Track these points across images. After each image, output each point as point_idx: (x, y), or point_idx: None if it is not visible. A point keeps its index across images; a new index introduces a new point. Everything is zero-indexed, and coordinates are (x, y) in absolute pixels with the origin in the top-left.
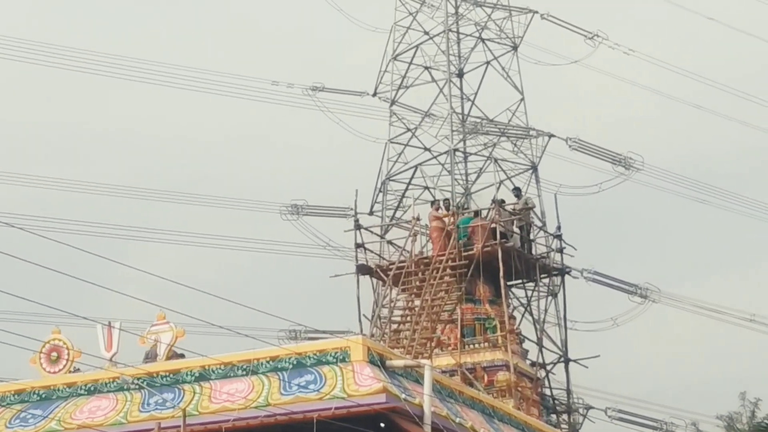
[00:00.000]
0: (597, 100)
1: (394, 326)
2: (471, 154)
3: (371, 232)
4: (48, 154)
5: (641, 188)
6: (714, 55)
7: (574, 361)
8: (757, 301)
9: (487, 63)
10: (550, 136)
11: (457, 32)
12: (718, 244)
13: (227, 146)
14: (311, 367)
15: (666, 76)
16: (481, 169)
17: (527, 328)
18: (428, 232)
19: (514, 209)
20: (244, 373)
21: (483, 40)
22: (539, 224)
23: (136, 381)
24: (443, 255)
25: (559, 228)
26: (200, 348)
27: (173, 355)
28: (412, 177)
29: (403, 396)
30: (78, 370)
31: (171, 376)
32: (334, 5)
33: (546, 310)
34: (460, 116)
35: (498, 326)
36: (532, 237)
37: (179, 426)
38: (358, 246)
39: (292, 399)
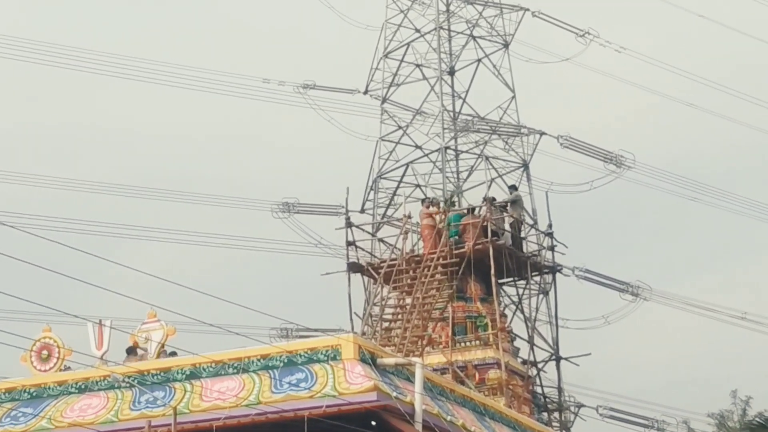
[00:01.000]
0: (588, 97)
1: (386, 324)
2: (462, 151)
3: (362, 230)
4: (40, 153)
5: (632, 186)
6: (705, 53)
7: (566, 359)
8: (748, 299)
9: (479, 61)
10: (542, 133)
11: (449, 30)
12: (709, 242)
13: (218, 144)
14: (302, 366)
15: (657, 74)
16: (472, 166)
17: (518, 326)
18: (419, 230)
19: (502, 203)
20: (235, 371)
21: (474, 38)
22: (530, 222)
23: (126, 379)
24: (434, 253)
25: (550, 226)
26: (191, 346)
27: (164, 354)
28: (403, 175)
29: (394, 394)
30: (69, 368)
31: (162, 374)
32: (326, 3)
33: (537, 308)
34: (452, 114)
35: (489, 324)
36: (523, 235)
37: (170, 424)
38: (349, 244)
39: (283, 397)
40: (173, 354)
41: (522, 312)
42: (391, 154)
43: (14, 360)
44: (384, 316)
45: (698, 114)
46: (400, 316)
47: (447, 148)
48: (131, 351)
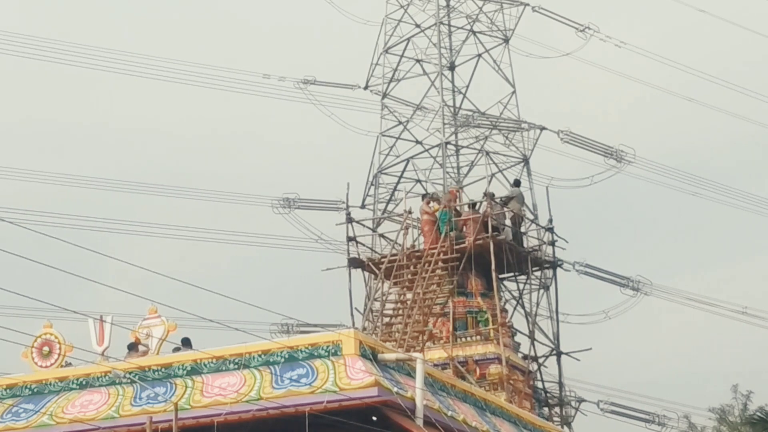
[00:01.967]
0: (588, 92)
1: (386, 319)
2: (463, 147)
3: (363, 225)
4: (40, 149)
5: (633, 181)
6: (705, 47)
7: (566, 353)
8: (749, 294)
9: (479, 56)
10: (542, 128)
11: (449, 25)
12: (710, 236)
13: (219, 140)
14: (303, 361)
15: (657, 69)
16: (472, 162)
17: (519, 321)
18: (420, 225)
19: (502, 198)
20: (236, 367)
21: (474, 33)
22: (531, 217)
23: (127, 375)
24: (435, 248)
25: (550, 221)
26: (192, 342)
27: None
28: (403, 170)
29: (395, 389)
30: (70, 364)
31: (163, 370)
32: None
33: (538, 303)
34: (452, 109)
35: (490, 319)
36: (523, 230)
37: (171, 420)
38: (349, 239)
39: (284, 393)
40: (187, 343)
41: (523, 307)
42: (392, 150)
43: (15, 356)
44: (385, 312)
45: (698, 108)
46: (400, 312)
47: (447, 143)
48: (132, 347)
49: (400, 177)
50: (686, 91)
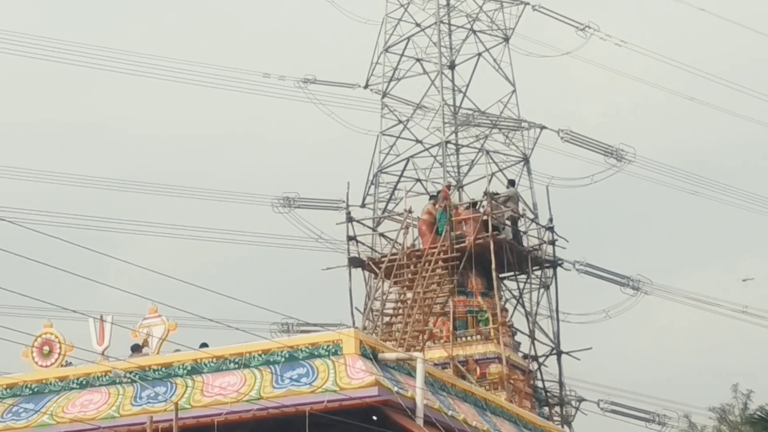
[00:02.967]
0: (589, 91)
1: (387, 319)
2: (463, 146)
3: (363, 224)
4: (40, 148)
5: (633, 180)
6: (706, 46)
7: (567, 353)
8: (749, 293)
9: (479, 55)
10: (542, 127)
11: (449, 24)
12: (710, 235)
13: (219, 139)
14: (303, 361)
15: (657, 68)
16: (472, 161)
17: (519, 321)
18: (418, 224)
19: (500, 196)
20: (236, 366)
21: (474, 32)
22: (531, 216)
23: (128, 375)
24: (435, 247)
25: (551, 220)
26: (192, 341)
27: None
28: (404, 169)
29: (396, 389)
30: (70, 363)
31: (163, 369)
32: None
33: (538, 303)
34: (452, 108)
35: (490, 318)
36: (524, 229)
37: (171, 420)
38: (350, 238)
39: (284, 392)
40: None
41: (523, 306)
42: (392, 149)
43: (15, 356)
44: (385, 311)
45: (699, 108)
46: (401, 311)
47: (447, 142)
48: (136, 349)
49: (401, 176)
50: (687, 90)
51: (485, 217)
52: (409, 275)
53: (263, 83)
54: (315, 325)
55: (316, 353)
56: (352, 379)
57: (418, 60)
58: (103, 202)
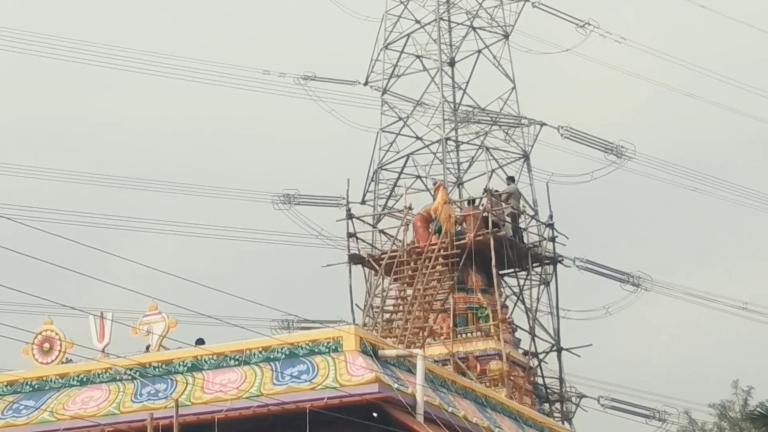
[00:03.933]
0: (589, 88)
1: (387, 316)
2: (463, 142)
3: (363, 221)
4: (39, 145)
5: (633, 177)
6: (706, 43)
7: (567, 349)
8: (749, 290)
9: (479, 51)
10: (542, 124)
11: (449, 21)
12: (710, 232)
13: (218, 136)
14: (303, 357)
15: (658, 65)
16: (472, 157)
17: (520, 317)
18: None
19: (500, 195)
20: (237, 363)
21: (474, 29)
22: (531, 213)
23: (128, 372)
24: (435, 244)
25: (551, 217)
26: (192, 338)
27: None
28: (404, 166)
29: (396, 386)
30: (70, 360)
31: (163, 366)
32: None
33: (538, 299)
34: (452, 105)
35: (490, 315)
36: (524, 226)
37: (172, 417)
38: (350, 235)
39: (284, 389)
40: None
41: (523, 303)
42: (392, 146)
43: (16, 353)
44: (385, 308)
45: (699, 104)
46: (401, 308)
47: (447, 139)
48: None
49: (401, 173)
50: (687, 87)
51: (485, 214)
52: (410, 272)
53: (263, 80)
54: (315, 322)
55: (316, 350)
56: (352, 376)
57: (418, 57)
58: (104, 200)
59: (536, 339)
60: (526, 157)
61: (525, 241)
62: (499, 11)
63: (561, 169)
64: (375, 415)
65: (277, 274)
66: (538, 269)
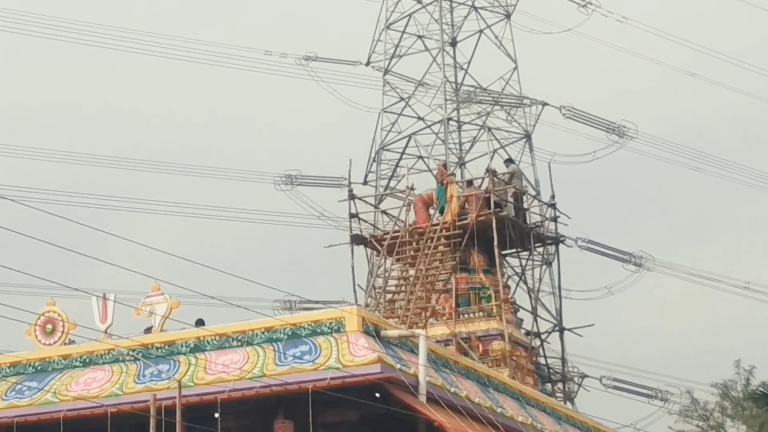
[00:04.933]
0: (590, 68)
1: (389, 296)
2: (464, 123)
3: (365, 201)
4: (44, 127)
5: (635, 156)
6: (708, 23)
7: (569, 329)
8: (751, 269)
9: (480, 31)
10: (544, 104)
11: (450, 0)
12: (712, 212)
13: (220, 117)
14: (306, 338)
15: (660, 44)
16: (474, 138)
17: (522, 298)
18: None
19: (502, 176)
20: (239, 344)
21: (476, 9)
22: (533, 193)
23: (131, 352)
24: (437, 225)
25: (553, 197)
26: (195, 319)
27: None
28: (405, 146)
29: (398, 366)
30: (73, 342)
31: (166, 347)
32: None
33: (540, 279)
34: (454, 85)
35: (492, 295)
36: (526, 206)
37: (175, 397)
38: (352, 216)
39: (287, 370)
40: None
41: (525, 283)
42: (394, 126)
43: (19, 334)
44: (387, 288)
45: (701, 84)
46: (403, 288)
47: (449, 119)
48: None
49: (402, 153)
50: (688, 67)
51: (487, 195)
52: (412, 252)
53: (265, 61)
54: (317, 302)
55: (318, 331)
56: (354, 356)
57: (419, 37)
58: (105, 181)
59: (538, 319)
60: (528, 137)
61: (527, 221)
62: None
63: (563, 149)
64: (377, 395)
65: (279, 255)
66: (541, 249)
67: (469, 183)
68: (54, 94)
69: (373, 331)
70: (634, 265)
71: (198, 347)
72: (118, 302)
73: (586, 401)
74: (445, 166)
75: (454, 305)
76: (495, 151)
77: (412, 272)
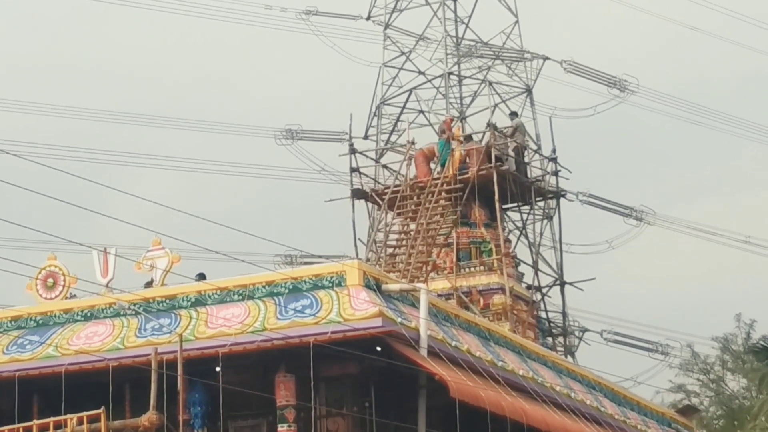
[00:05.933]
0: (591, 22)
1: (390, 250)
2: (465, 77)
3: (366, 156)
4: (43, 82)
5: (636, 111)
6: None
7: (570, 284)
8: (752, 223)
9: None
10: (545, 58)
11: None
12: (713, 165)
13: (220, 71)
14: (307, 292)
15: None
16: (475, 92)
17: (523, 252)
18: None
19: (504, 129)
20: (240, 298)
21: None
22: (534, 147)
23: (132, 307)
24: (438, 179)
25: (554, 151)
26: (195, 274)
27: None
28: (406, 101)
29: (399, 320)
30: (74, 296)
31: (167, 301)
32: None
33: (541, 234)
34: (455, 39)
35: (493, 250)
36: (527, 160)
37: (176, 351)
38: (353, 170)
39: (288, 323)
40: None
41: (526, 237)
42: (394, 80)
43: (20, 288)
44: (388, 243)
45: (702, 38)
46: (404, 242)
47: (450, 73)
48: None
49: (403, 108)
50: (690, 21)
51: (488, 149)
52: (413, 206)
53: (265, 15)
54: (318, 256)
55: (319, 284)
56: (355, 310)
57: None
58: (106, 135)
59: (539, 273)
60: (529, 91)
61: (528, 175)
62: None
63: (564, 104)
64: (378, 349)
65: (281, 210)
66: (541, 203)
67: (468, 138)
68: (57, 48)
69: (374, 285)
70: (635, 219)
71: (199, 301)
72: (119, 256)
73: (587, 355)
74: (452, 120)
75: (454, 259)
76: (496, 105)
77: (412, 226)
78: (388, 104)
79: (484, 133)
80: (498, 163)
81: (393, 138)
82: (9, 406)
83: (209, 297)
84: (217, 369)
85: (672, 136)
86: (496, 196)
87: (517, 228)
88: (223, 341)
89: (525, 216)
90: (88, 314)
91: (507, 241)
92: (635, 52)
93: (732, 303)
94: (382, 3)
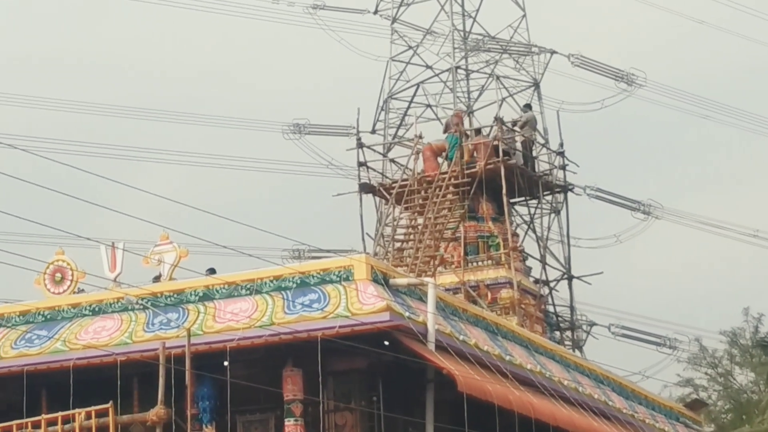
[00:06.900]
0: (599, 16)
1: (398, 245)
2: (473, 71)
3: (374, 150)
4: (52, 77)
5: (644, 104)
6: None
7: (578, 277)
8: (760, 217)
9: None
10: (552, 52)
11: None
12: (721, 159)
13: (229, 66)
14: (315, 286)
15: None
16: (483, 86)
17: (530, 246)
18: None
19: (514, 123)
20: (248, 292)
21: None
22: (542, 141)
23: (140, 301)
24: (446, 173)
25: (561, 145)
26: (204, 268)
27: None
28: (414, 95)
29: (407, 314)
30: (82, 290)
31: (175, 296)
32: None
33: (549, 228)
34: (462, 33)
35: (501, 244)
36: (534, 154)
37: (184, 346)
38: (360, 164)
39: (296, 318)
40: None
41: (534, 231)
42: (402, 75)
43: (28, 283)
44: (396, 237)
45: (709, 31)
46: (412, 237)
47: (458, 67)
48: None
49: (411, 102)
50: (697, 14)
51: (496, 143)
52: (420, 201)
53: (273, 9)
54: (326, 251)
55: (327, 279)
56: (363, 304)
57: None
58: (115, 130)
59: (547, 267)
60: (536, 85)
61: (536, 169)
62: None
63: (571, 98)
64: (386, 343)
65: (288, 204)
66: (549, 197)
67: (478, 131)
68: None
69: (381, 280)
70: (643, 213)
71: (207, 296)
72: (127, 251)
73: (595, 349)
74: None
75: (462, 253)
76: (503, 99)
77: (420, 221)
78: (395, 98)
79: (491, 127)
80: (506, 157)
81: (400, 132)
82: (17, 400)
83: (217, 291)
84: (225, 363)
85: (680, 129)
86: (504, 190)
87: (525, 222)
88: (230, 336)
89: (533, 210)
90: (96, 309)
91: (515, 235)
92: (643, 46)
93: (740, 297)
94: None
